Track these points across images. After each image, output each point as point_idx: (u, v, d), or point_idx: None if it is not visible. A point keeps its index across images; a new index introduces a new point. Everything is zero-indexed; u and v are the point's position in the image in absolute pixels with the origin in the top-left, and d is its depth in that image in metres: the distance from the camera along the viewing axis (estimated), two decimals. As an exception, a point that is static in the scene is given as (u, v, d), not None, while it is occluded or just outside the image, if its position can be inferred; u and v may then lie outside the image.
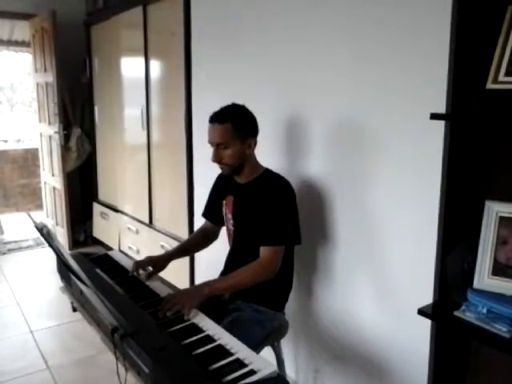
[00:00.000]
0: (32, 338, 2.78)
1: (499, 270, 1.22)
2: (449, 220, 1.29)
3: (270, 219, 1.67)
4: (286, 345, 1.96)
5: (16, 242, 4.57)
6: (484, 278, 1.23)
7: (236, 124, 1.68)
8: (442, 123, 1.29)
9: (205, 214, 2.03)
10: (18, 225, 4.94)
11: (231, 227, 1.85)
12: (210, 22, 2.55)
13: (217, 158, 1.72)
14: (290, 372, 2.11)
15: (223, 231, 1.97)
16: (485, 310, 1.19)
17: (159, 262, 1.87)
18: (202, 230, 2.04)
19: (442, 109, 1.29)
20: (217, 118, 1.69)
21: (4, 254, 4.29)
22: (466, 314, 1.22)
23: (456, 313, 1.24)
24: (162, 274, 1.93)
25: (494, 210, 1.25)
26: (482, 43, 1.22)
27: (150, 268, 1.84)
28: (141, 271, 1.82)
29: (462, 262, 1.28)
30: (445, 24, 1.28)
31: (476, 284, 1.24)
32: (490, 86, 1.19)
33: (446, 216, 1.29)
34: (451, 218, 1.29)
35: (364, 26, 1.69)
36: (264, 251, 1.66)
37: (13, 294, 3.40)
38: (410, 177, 1.59)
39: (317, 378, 2.07)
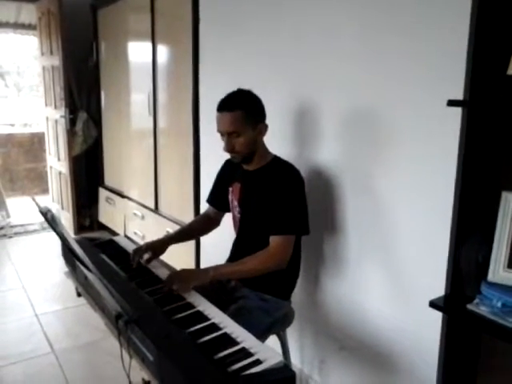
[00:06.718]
0: (37, 321, 2.79)
1: (515, 262, 1.18)
2: (463, 210, 1.25)
3: (279, 208, 1.64)
4: (291, 334, 1.94)
5: (22, 225, 4.58)
6: (499, 270, 1.19)
7: (247, 111, 1.63)
8: (458, 112, 1.24)
9: (209, 200, 2.00)
10: (24, 209, 4.94)
11: (237, 214, 1.82)
12: (218, 7, 2.49)
13: (230, 148, 1.67)
14: (295, 361, 2.09)
15: (226, 218, 1.94)
16: (499, 304, 1.15)
17: (158, 247, 1.83)
18: (205, 215, 2.02)
19: (458, 98, 1.24)
20: (226, 106, 1.64)
21: (10, 237, 4.31)
22: (480, 308, 1.18)
23: (469, 306, 1.20)
24: (167, 259, 1.91)
25: (511, 200, 1.21)
26: (502, 28, 1.17)
27: (147, 255, 1.79)
28: (140, 259, 1.77)
29: (476, 253, 1.23)
30: (463, 9, 1.22)
31: (490, 277, 1.20)
32: (511, 72, 1.14)
33: (461, 206, 1.24)
34: (466, 209, 1.25)
35: (377, 14, 1.63)
36: (274, 240, 1.63)
37: (18, 278, 3.41)
38: (423, 165, 1.55)
39: (322, 368, 2.05)
